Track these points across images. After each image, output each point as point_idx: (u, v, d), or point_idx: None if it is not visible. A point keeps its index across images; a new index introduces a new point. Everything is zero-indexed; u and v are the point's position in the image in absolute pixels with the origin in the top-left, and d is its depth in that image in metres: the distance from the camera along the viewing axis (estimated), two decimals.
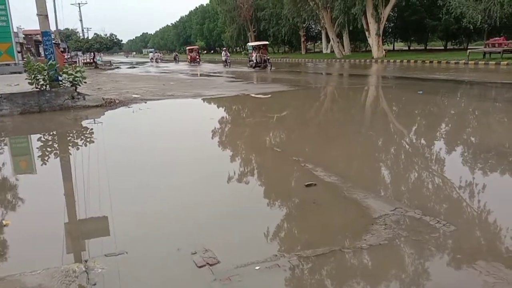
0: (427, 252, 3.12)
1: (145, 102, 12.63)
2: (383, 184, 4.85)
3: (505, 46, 24.25)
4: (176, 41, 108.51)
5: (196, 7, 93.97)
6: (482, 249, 3.15)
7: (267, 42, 35.67)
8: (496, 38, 26.42)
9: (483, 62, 23.41)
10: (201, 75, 27.12)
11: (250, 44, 34.12)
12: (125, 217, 4.06)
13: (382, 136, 7.55)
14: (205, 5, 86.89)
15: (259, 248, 3.30)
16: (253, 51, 30.45)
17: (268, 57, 29.66)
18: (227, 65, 33.71)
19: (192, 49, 47.43)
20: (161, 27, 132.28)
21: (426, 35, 43.67)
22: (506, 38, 27.35)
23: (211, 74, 27.27)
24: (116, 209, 4.17)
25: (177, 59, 53.49)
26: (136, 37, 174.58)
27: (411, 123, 8.66)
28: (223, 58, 34.93)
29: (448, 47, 43.00)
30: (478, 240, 3.35)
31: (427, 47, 45.29)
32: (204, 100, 13.56)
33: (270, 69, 27.79)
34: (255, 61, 29.24)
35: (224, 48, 40.75)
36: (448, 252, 3.11)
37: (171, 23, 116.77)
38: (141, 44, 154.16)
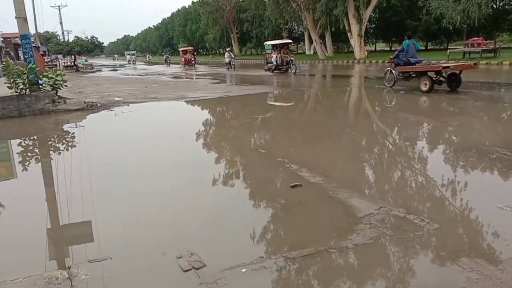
0: (411, 250, 3.15)
1: (128, 105, 12.50)
2: (367, 183, 4.89)
3: (484, 46, 24.75)
4: (158, 43, 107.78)
5: (178, 9, 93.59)
6: (465, 246, 3.20)
7: (290, 41, 29.13)
8: (475, 38, 26.93)
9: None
10: (197, 76, 26.68)
11: (269, 42, 27.33)
12: (109, 222, 4.01)
13: (365, 136, 7.62)
14: (187, 7, 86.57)
15: (245, 250, 3.29)
16: (273, 51, 25.01)
17: (291, 58, 24.32)
18: (231, 68, 29.65)
19: (186, 50, 42.95)
20: (143, 29, 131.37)
21: (229, 49, 44.51)
22: (484, 38, 27.92)
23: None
24: (100, 214, 4.12)
25: (168, 61, 48.70)
26: (117, 39, 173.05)
27: (393, 123, 8.76)
28: (227, 60, 30.45)
29: (429, 47, 43.64)
30: (461, 237, 3.40)
31: None
32: (187, 102, 13.49)
33: (295, 72, 23.09)
34: (275, 63, 24.26)
35: (228, 49, 34.57)
36: (432, 249, 3.15)
37: (153, 25, 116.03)
38: (123, 46, 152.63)
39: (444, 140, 6.98)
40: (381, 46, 55.01)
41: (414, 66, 12.60)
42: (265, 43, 28.84)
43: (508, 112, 9.38)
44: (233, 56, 31.54)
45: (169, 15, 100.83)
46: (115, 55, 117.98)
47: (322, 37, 42.21)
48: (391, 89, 13.31)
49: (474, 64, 12.63)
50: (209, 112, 12.18)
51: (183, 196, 4.72)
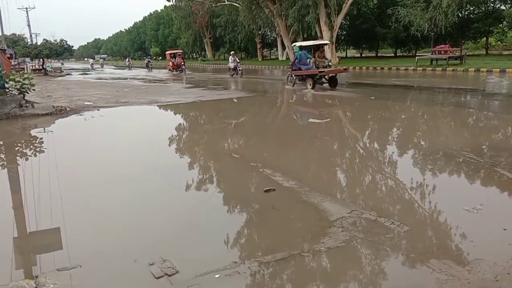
0: (383, 253, 3.21)
1: (98, 110, 12.26)
2: (340, 187, 4.95)
3: (450, 53, 25.54)
4: (130, 47, 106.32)
5: (151, 12, 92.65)
6: (434, 248, 3.27)
7: (327, 42, 21.44)
8: (442, 46, 27.78)
9: (431, 68, 24.52)
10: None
11: (299, 44, 18.35)
12: (79, 229, 3.91)
13: (337, 140, 7.72)
14: (159, 11, 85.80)
15: (219, 256, 3.26)
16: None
17: (330, 63, 17.34)
18: (237, 74, 25.25)
19: (174, 53, 37.99)
20: (114, 33, 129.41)
21: (377, 42, 45.20)
22: (451, 45, 28.85)
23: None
24: (69, 221, 4.01)
25: (150, 66, 44.78)
26: (88, 42, 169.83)
27: (364, 128, 8.91)
28: (231, 65, 25.80)
29: (397, 54, 44.65)
30: (430, 239, 3.48)
31: (378, 54, 46.83)
32: (160, 107, 13.34)
33: (334, 85, 16.15)
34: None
35: (232, 52, 28.41)
36: (403, 251, 3.22)
37: (125, 29, 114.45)
38: (93, 50, 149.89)
39: (413, 144, 7.13)
40: (352, 52, 55.96)
41: (302, 70, 16.45)
42: (294, 44, 18.93)
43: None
44: (238, 61, 26.68)
45: (141, 18, 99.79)
46: (85, 59, 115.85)
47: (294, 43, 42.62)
48: (361, 95, 13.56)
49: (344, 69, 17.64)
50: (182, 117, 12.09)
51: (155, 202, 4.65)
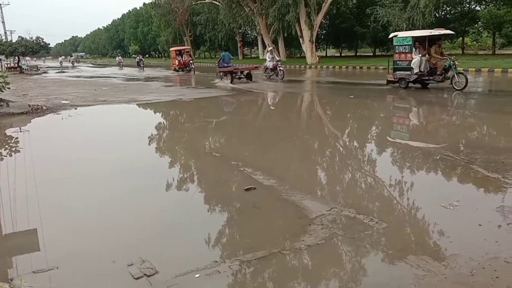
0: (362, 250, 3.24)
1: (75, 109, 12.05)
2: (319, 185, 4.99)
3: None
4: (108, 44, 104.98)
5: (129, 10, 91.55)
6: (411, 244, 3.33)
7: (450, 32, 15.56)
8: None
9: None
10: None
11: (406, 34, 14.80)
12: (56, 230, 3.84)
13: (317, 139, 7.77)
14: (138, 8, 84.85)
15: (199, 255, 3.24)
16: (415, 50, 13.76)
17: (454, 62, 13.09)
18: (277, 75, 20.54)
19: (180, 50, 32.66)
20: (92, 31, 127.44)
21: (356, 42, 45.69)
22: None
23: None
24: (46, 222, 3.93)
25: (142, 65, 39.81)
26: (65, 40, 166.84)
27: (343, 126, 9.00)
28: (269, 64, 20.84)
29: (376, 54, 45.24)
30: (407, 235, 3.53)
31: (357, 54, 47.35)
32: (139, 105, 13.19)
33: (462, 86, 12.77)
34: (418, 70, 13.51)
35: (270, 49, 24.04)
36: (381, 248, 3.26)
37: (103, 26, 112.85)
38: (70, 48, 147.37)
39: (392, 142, 7.23)
40: (331, 52, 56.44)
41: (225, 68, 19.85)
42: (394, 34, 14.58)
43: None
44: (279, 58, 22.56)
45: (119, 16, 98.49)
46: (62, 56, 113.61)
47: (275, 42, 42.68)
48: (341, 94, 13.69)
49: (255, 67, 21.58)
50: (162, 116, 11.98)
51: (134, 202, 4.60)
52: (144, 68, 39.10)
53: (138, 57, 43.24)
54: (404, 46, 14.07)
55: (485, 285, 2.68)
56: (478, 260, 2.98)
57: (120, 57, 52.76)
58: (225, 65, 20.18)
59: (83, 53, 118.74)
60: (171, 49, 34.97)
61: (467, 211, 3.92)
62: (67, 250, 3.40)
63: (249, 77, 20.11)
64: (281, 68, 20.57)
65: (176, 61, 31.85)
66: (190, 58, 31.54)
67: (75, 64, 65.43)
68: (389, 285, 2.80)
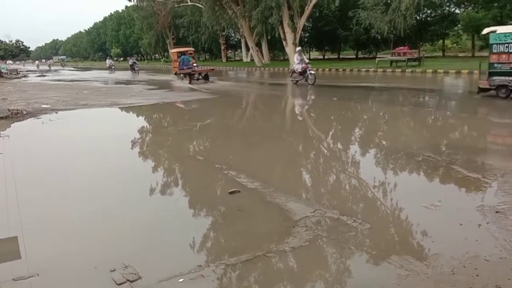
0: (346, 251, 3.26)
1: (56, 113, 11.86)
2: (303, 187, 5.00)
3: (409, 55, 26.38)
4: (90, 48, 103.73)
5: (111, 13, 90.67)
6: (394, 244, 3.36)
7: None
8: (401, 48, 28.66)
9: (390, 69, 25.21)
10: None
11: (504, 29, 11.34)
12: (37, 238, 3.76)
13: (301, 141, 7.79)
14: (120, 11, 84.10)
15: (183, 260, 3.22)
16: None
17: None
18: (306, 80, 17.36)
19: (183, 52, 27.83)
20: (73, 34, 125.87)
21: (339, 44, 46.11)
22: (409, 47, 29.84)
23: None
24: (27, 229, 3.85)
25: (136, 68, 36.14)
26: (46, 43, 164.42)
27: (327, 128, 9.06)
28: (297, 67, 17.78)
29: (359, 56, 45.68)
30: (390, 236, 3.57)
31: (340, 56, 47.75)
32: (121, 109, 13.05)
33: None
34: None
35: (299, 49, 19.86)
36: (365, 249, 3.28)
37: (84, 29, 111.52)
38: (51, 51, 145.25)
39: (375, 144, 7.30)
40: (315, 54, 56.78)
41: (184, 70, 21.82)
42: (492, 30, 11.50)
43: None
44: (309, 61, 19.04)
45: (101, 19, 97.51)
46: (43, 60, 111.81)
47: (258, 44, 42.75)
48: (324, 96, 13.79)
49: (212, 69, 24.20)
50: (144, 119, 11.87)
51: (116, 207, 4.54)
52: (139, 72, 35.97)
53: (131, 60, 38.16)
54: (507, 45, 10.95)
55: (466, 284, 2.72)
56: (459, 259, 3.02)
57: (111, 60, 47.37)
58: (185, 67, 22.04)
59: (64, 57, 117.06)
60: (173, 50, 31.55)
61: (448, 211, 3.98)
62: (49, 257, 3.34)
63: (206, 78, 22.42)
64: (312, 72, 17.36)
65: (178, 64, 27.91)
66: (194, 61, 27.50)
67: (51, 67, 64.91)
68: (373, 285, 2.82)
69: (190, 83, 21.13)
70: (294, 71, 18.20)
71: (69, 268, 3.17)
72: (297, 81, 18.19)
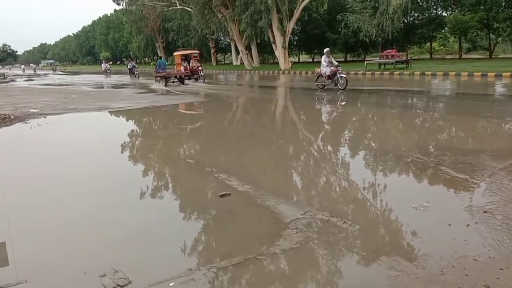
0: (336, 252, 3.27)
1: (45, 117, 11.75)
2: (294, 189, 5.01)
3: (397, 58, 26.67)
4: (78, 51, 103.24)
5: (100, 17, 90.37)
6: (384, 245, 3.38)
7: None
8: (389, 50, 28.94)
9: (379, 72, 25.44)
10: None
11: None
12: (25, 243, 3.71)
13: (292, 143, 7.82)
14: (109, 15, 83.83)
15: (173, 264, 3.21)
16: None
17: None
18: (336, 84, 16.20)
19: (187, 55, 27.75)
20: (61, 37, 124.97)
21: (328, 47, 46.44)
22: (397, 50, 30.14)
23: None
24: (15, 235, 3.80)
25: (135, 72, 34.13)
26: (33, 47, 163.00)
27: (317, 131, 9.09)
28: (326, 70, 16.40)
29: (348, 59, 46.06)
30: (380, 237, 3.58)
31: None
32: (111, 113, 12.98)
33: None
34: None
35: (327, 50, 17.09)
36: (355, 250, 3.29)
37: (73, 33, 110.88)
38: (39, 55, 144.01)
39: (365, 146, 7.35)
40: (304, 57, 57.08)
41: (160, 73, 23.88)
42: None
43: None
44: (339, 64, 16.84)
45: (90, 22, 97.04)
46: (31, 64, 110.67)
47: (248, 48, 42.90)
48: (313, 99, 13.88)
49: (186, 73, 24.96)
50: (134, 123, 11.81)
51: (106, 211, 4.50)
52: (140, 76, 33.52)
53: (130, 63, 35.65)
54: None
55: (455, 284, 2.75)
56: (448, 259, 3.05)
57: (106, 64, 45.61)
58: (161, 70, 23.94)
59: (53, 61, 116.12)
60: (176, 53, 29.60)
61: (437, 212, 4.01)
62: (37, 263, 3.30)
63: (181, 80, 24.21)
64: (343, 75, 16.09)
65: (182, 67, 26.65)
66: (198, 64, 26.58)
67: (37, 71, 64.74)
68: (363, 286, 2.83)
69: (165, 85, 22.81)
70: (320, 75, 16.90)
71: (58, 274, 3.14)
72: (324, 85, 16.92)
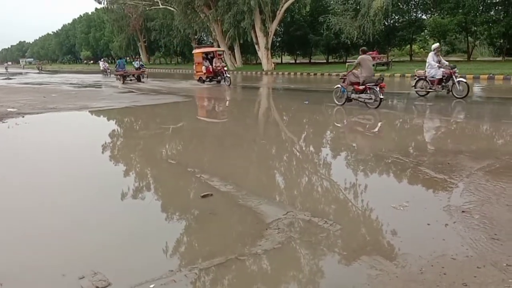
0: (317, 252, 3.29)
1: (23, 117, 11.50)
2: (276, 189, 5.02)
3: (378, 60, 26.97)
4: (58, 50, 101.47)
5: (81, 15, 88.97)
6: (364, 245, 3.41)
7: None
8: (370, 52, 29.18)
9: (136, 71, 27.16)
10: None
11: None
12: (1, 245, 3.63)
13: (274, 144, 7.84)
14: (90, 13, 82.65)
15: (154, 265, 3.17)
16: None
17: None
18: (449, 90, 12.50)
19: (208, 53, 23.35)
20: (41, 36, 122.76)
21: (310, 49, 46.65)
22: (378, 52, 30.49)
23: None
24: None
25: (108, 70, 33.35)
26: (12, 45, 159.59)
27: (299, 131, 9.13)
28: (436, 74, 12.51)
29: (329, 61, 46.36)
30: (360, 236, 3.62)
31: (311, 61, 48.32)
32: (91, 112, 12.79)
33: None
34: None
35: (436, 46, 12.89)
36: (336, 250, 3.32)
37: (53, 32, 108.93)
38: (17, 53, 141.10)
39: (346, 147, 7.41)
40: (287, 59, 57.24)
41: (119, 72, 26.52)
42: None
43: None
44: (452, 64, 13.06)
45: (70, 21, 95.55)
46: (8, 62, 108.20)
47: (231, 48, 42.79)
48: (296, 100, 13.94)
49: (142, 71, 27.06)
50: (115, 123, 11.66)
51: (85, 212, 4.43)
52: (148, 78, 28.54)
53: (137, 62, 30.40)
54: None
55: (433, 282, 2.79)
56: (427, 258, 3.10)
57: (105, 63, 39.92)
58: (120, 69, 26.59)
59: (32, 59, 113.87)
60: (196, 51, 24.66)
61: (416, 211, 4.07)
62: (13, 265, 3.23)
63: (138, 79, 26.29)
64: (463, 80, 12.45)
65: (203, 67, 22.05)
66: (223, 64, 22.65)
67: (8, 69, 63.22)
68: (344, 286, 2.86)
69: (123, 83, 25.37)
70: (422, 78, 13.05)
71: (35, 277, 3.08)
72: (428, 92, 12.84)
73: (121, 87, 23.22)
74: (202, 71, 22.17)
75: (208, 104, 15.38)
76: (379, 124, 9.57)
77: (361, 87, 11.17)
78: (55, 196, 5.00)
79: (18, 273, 3.12)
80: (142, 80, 26.40)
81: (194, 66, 23.75)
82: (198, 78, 22.77)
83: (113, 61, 78.71)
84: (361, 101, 11.39)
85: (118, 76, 26.90)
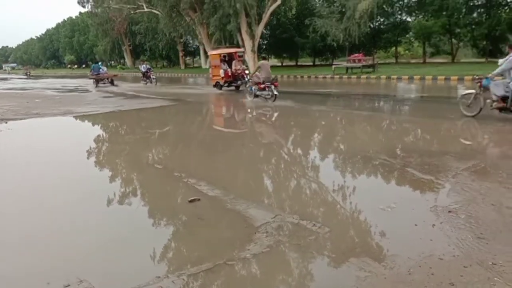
0: (306, 255, 3.28)
1: (6, 122, 11.29)
2: (264, 193, 5.01)
3: (364, 62, 27.20)
4: (42, 55, 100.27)
5: (64, 19, 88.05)
6: (353, 247, 3.41)
7: None
8: (356, 55, 29.49)
9: (346, 76, 25.87)
10: None
11: None
12: None
13: (261, 147, 7.83)
14: (74, 17, 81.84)
15: (141, 272, 3.12)
16: None
17: None
18: None
19: (226, 54, 20.32)
20: (24, 40, 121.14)
21: (297, 52, 46.85)
22: (364, 54, 30.75)
23: None
24: None
25: (152, 76, 26.05)
26: None
27: (287, 134, 9.14)
28: None
29: (316, 63, 46.60)
30: (349, 238, 3.62)
31: (298, 63, 48.54)
32: (76, 117, 12.62)
33: None
34: None
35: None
36: (325, 252, 3.31)
37: (36, 36, 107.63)
38: (0, 58, 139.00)
39: (333, 149, 7.44)
40: (273, 61, 57.40)
41: (94, 75, 27.40)
42: None
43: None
44: None
45: (54, 25, 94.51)
46: None
47: None
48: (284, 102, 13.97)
49: (114, 75, 29.87)
50: (100, 128, 11.53)
51: (72, 218, 4.35)
52: (157, 83, 25.98)
53: (143, 66, 27.26)
54: None
55: (421, 283, 2.80)
56: (415, 259, 3.11)
57: (146, 65, 28.45)
58: (95, 73, 27.57)
59: (15, 64, 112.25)
60: (212, 52, 22.52)
61: (403, 212, 4.10)
62: None
63: (112, 82, 27.48)
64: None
65: (221, 71, 19.28)
66: (244, 67, 20.17)
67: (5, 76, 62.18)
68: None
69: (96, 86, 26.80)
70: (481, 91, 9.08)
71: (19, 285, 3.01)
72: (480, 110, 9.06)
73: (95, 91, 23.69)
74: (219, 75, 19.41)
75: (193, 108, 15.28)
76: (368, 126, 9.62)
77: (262, 86, 13.95)
78: (40, 202, 4.90)
79: (2, 282, 3.04)
80: (114, 84, 27.37)
81: (210, 69, 21.25)
82: (214, 83, 19.94)
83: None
84: (262, 97, 14.03)
85: (93, 80, 27.95)
